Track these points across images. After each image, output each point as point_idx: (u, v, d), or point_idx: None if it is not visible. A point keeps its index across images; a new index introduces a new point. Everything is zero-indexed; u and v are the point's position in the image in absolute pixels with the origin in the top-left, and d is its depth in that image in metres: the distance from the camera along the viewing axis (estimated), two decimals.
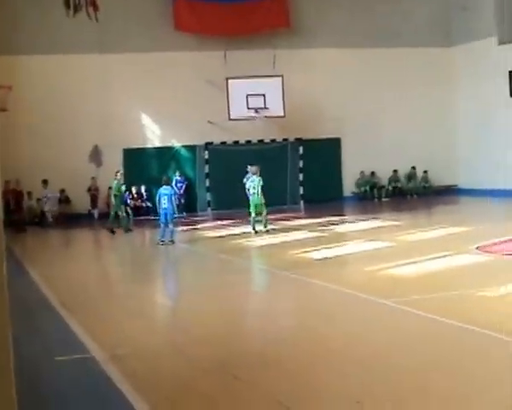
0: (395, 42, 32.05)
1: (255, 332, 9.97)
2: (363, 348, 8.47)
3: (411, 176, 32.86)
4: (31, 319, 10.97)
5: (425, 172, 32.78)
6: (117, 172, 24.49)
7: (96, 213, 28.94)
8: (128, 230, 23.90)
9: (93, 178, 29.02)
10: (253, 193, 20.92)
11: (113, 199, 24.12)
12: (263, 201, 20.94)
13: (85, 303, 12.13)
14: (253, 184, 21.02)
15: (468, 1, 31.18)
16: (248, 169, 22.80)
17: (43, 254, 20.81)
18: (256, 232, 20.74)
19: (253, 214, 20.95)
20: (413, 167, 32.60)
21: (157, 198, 19.97)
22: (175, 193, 22.36)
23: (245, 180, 22.54)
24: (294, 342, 8.97)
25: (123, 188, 25.47)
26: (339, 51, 31.68)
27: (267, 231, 21.00)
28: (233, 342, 9.14)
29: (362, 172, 32.29)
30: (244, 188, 21.87)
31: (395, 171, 32.64)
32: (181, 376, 7.71)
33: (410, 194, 32.60)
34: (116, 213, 23.93)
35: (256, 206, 20.86)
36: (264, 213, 21.10)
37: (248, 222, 21.52)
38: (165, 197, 19.44)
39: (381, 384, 7.03)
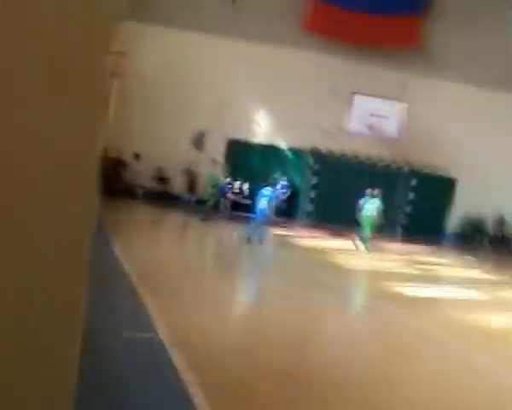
0: None
1: (328, 352, 9.61)
2: (443, 395, 7.94)
3: None
4: (107, 291, 10.80)
5: None
6: (214, 160, 24.46)
7: (191, 197, 28.32)
8: (206, 219, 23.74)
9: (191, 162, 28.32)
10: (370, 215, 21.39)
11: (209, 189, 24.23)
12: (377, 223, 21.52)
13: (163, 285, 12.00)
14: (372, 206, 21.51)
15: None
16: (368, 192, 22.84)
17: (130, 228, 20.91)
18: (356, 249, 21.30)
19: (367, 233, 21.41)
20: None
21: (257, 197, 20.06)
22: (276, 196, 22.13)
23: (361, 202, 22.50)
24: (368, 370, 8.62)
25: (223, 179, 25.53)
26: (469, 88, 30.60)
27: (367, 250, 21.27)
28: (305, 357, 8.84)
29: (468, 213, 31.09)
30: (354, 207, 21.91)
31: (502, 216, 31.30)
32: (243, 377, 7.51)
33: None
34: (208, 201, 24.15)
35: (371, 227, 21.39)
36: (371, 234, 21.59)
37: (349, 238, 21.88)
38: (265, 198, 19.61)
39: None
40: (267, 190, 19.79)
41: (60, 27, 2.29)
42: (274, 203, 20.19)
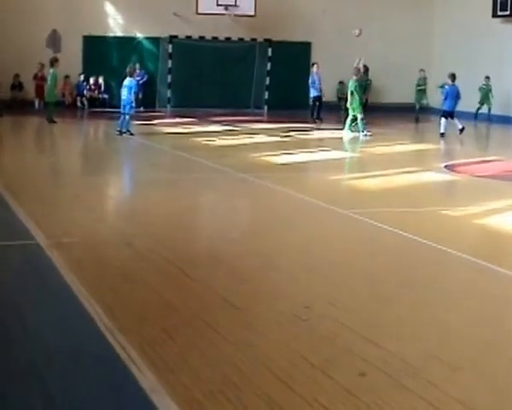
0: None
1: (208, 231, 9.76)
2: (318, 254, 8.23)
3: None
4: None
5: None
6: (54, 59, 22.79)
7: (37, 102, 27.01)
8: (51, 120, 22.44)
9: (40, 64, 26.53)
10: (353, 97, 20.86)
11: (49, 88, 22.97)
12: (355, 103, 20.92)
13: (33, 192, 11.66)
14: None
15: None
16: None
17: None
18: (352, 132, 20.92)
19: (359, 116, 20.81)
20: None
21: (120, 90, 20.16)
22: (136, 85, 21.78)
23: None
24: (248, 242, 8.74)
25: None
26: None
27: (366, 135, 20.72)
28: (183, 239, 8.90)
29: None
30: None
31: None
32: (128, 268, 7.41)
33: None
34: (50, 102, 22.87)
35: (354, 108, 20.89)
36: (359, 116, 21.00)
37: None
38: (126, 89, 19.76)
39: (334, 290, 6.77)
40: (127, 81, 19.82)
41: None
42: (135, 91, 20.21)
